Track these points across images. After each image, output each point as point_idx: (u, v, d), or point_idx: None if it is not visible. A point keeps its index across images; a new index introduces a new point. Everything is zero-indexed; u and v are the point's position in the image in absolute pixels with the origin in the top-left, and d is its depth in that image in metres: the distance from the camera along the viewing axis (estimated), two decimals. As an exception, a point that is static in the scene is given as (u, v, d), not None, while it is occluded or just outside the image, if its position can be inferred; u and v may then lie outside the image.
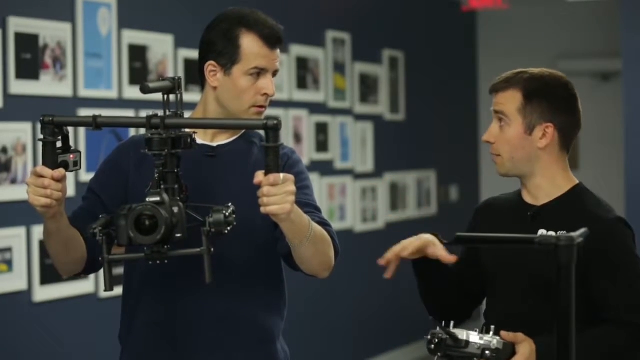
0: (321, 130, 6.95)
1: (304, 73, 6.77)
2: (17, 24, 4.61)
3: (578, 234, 2.11)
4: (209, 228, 2.45)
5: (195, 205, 2.54)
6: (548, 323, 2.68)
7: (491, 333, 2.54)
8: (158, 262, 2.47)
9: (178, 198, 2.48)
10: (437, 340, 2.51)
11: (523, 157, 2.79)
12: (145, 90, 2.54)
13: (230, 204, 2.51)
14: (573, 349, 2.09)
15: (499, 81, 2.84)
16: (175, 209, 2.44)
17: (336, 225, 7.00)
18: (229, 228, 2.47)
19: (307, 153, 6.70)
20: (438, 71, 8.74)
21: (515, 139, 2.78)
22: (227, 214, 2.47)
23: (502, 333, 2.56)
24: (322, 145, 6.96)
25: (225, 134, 2.84)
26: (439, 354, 2.52)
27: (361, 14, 7.60)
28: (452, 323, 2.55)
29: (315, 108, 6.89)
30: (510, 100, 2.79)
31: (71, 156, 2.59)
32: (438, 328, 2.53)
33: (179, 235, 2.45)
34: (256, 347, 2.80)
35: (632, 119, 5.61)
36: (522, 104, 2.78)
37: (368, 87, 7.60)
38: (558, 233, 2.69)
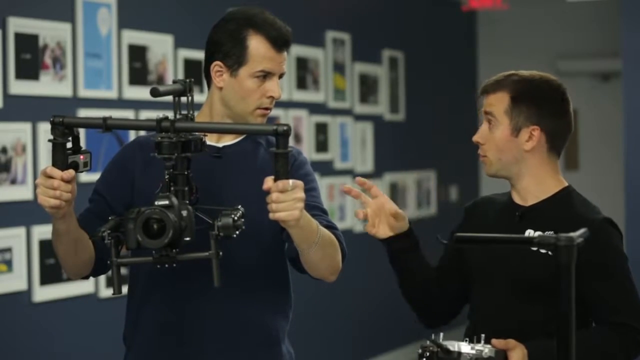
0: (321, 130, 6.95)
1: (304, 73, 6.77)
2: (17, 24, 4.60)
3: (578, 234, 2.11)
4: (217, 232, 2.45)
5: (204, 207, 2.53)
6: (534, 324, 2.69)
7: (482, 342, 2.53)
8: (166, 265, 2.47)
9: (187, 201, 2.48)
10: (428, 354, 2.49)
11: (509, 159, 2.80)
12: (155, 93, 2.52)
13: (239, 207, 2.50)
14: (573, 349, 2.08)
15: (490, 83, 2.85)
16: (184, 213, 2.43)
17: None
18: (237, 232, 2.46)
19: (307, 153, 6.69)
20: (438, 71, 8.74)
21: (502, 141, 2.79)
22: (236, 217, 2.46)
23: (493, 341, 2.55)
24: (321, 145, 6.96)
25: (231, 135, 2.83)
26: None
27: (361, 14, 7.60)
28: (441, 335, 2.54)
29: (315, 108, 6.89)
30: (499, 102, 2.80)
31: (81, 157, 2.58)
32: (428, 341, 2.52)
33: (187, 238, 2.44)
34: (261, 348, 2.79)
35: (632, 119, 5.61)
36: (509, 106, 2.79)
37: (368, 87, 7.60)
38: (545, 233, 2.70)
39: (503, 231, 2.71)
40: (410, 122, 8.23)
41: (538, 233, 2.72)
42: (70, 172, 2.52)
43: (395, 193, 7.98)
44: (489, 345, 2.52)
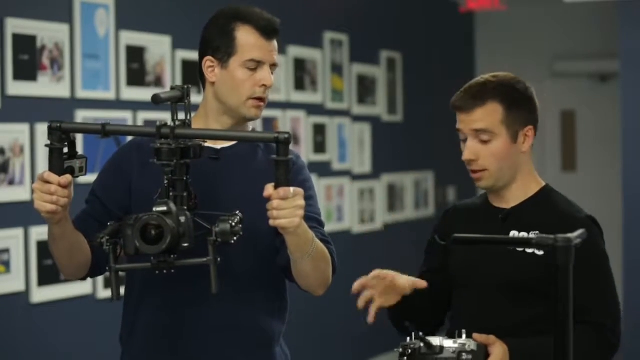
0: (319, 131, 6.95)
1: (302, 74, 6.77)
2: (15, 25, 4.60)
3: (575, 235, 2.11)
4: (215, 238, 2.45)
5: (203, 213, 2.53)
6: (518, 325, 2.68)
7: (464, 337, 2.53)
8: (165, 271, 2.47)
9: (185, 207, 2.48)
10: (409, 351, 2.49)
11: (510, 166, 2.77)
12: (157, 100, 2.52)
13: (238, 212, 2.51)
14: (571, 350, 2.08)
15: (468, 98, 2.76)
16: (182, 219, 2.43)
17: (334, 226, 7.00)
18: (235, 238, 2.46)
19: (305, 154, 6.69)
20: (436, 72, 8.74)
21: (504, 151, 2.75)
22: (234, 223, 2.46)
23: (475, 335, 2.55)
24: (319, 146, 6.96)
25: None
26: None
27: (359, 15, 7.60)
28: (420, 333, 2.52)
29: (313, 109, 6.89)
30: (492, 114, 2.74)
31: (77, 162, 2.59)
32: (408, 339, 2.51)
33: (186, 244, 2.44)
34: (256, 350, 2.79)
35: (630, 120, 5.62)
36: (504, 115, 2.74)
37: (366, 88, 7.60)
38: (530, 234, 2.70)
39: (487, 234, 2.70)
40: (408, 123, 8.23)
41: (523, 234, 2.73)
42: (68, 178, 2.52)
43: (393, 194, 7.98)
44: (471, 340, 2.53)
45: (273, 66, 2.80)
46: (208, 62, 2.79)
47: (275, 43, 2.80)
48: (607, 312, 2.70)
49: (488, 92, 2.75)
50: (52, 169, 2.52)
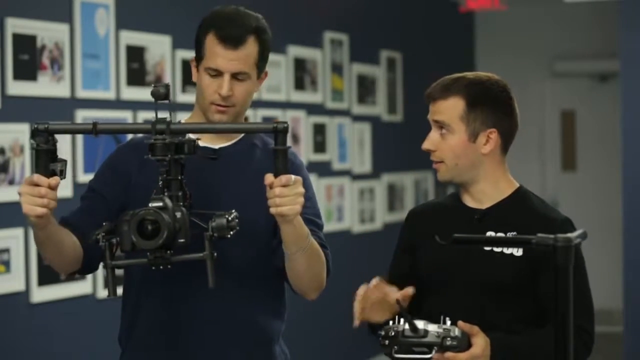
0: (319, 131, 6.95)
1: (302, 74, 6.77)
2: (15, 25, 4.60)
3: (576, 234, 2.10)
4: (211, 232, 2.46)
5: (198, 212, 2.53)
6: (497, 326, 2.66)
7: (448, 323, 2.53)
8: (161, 267, 2.47)
9: (181, 203, 2.48)
10: (392, 333, 2.48)
11: (467, 164, 2.75)
12: (158, 95, 2.53)
13: (233, 210, 2.51)
14: (571, 351, 2.08)
15: (437, 89, 2.78)
16: (178, 214, 2.44)
17: (334, 226, 7.00)
18: (231, 232, 2.47)
19: (305, 154, 6.70)
20: (436, 72, 8.70)
21: (459, 147, 2.74)
22: (230, 218, 2.47)
23: (460, 323, 2.54)
24: (319, 146, 6.96)
25: (226, 137, 2.81)
26: (395, 347, 2.48)
27: (359, 15, 7.61)
28: (402, 320, 2.50)
29: (313, 109, 6.89)
30: (452, 108, 2.74)
31: (58, 165, 2.51)
32: (391, 323, 2.51)
33: (182, 240, 2.44)
34: (255, 349, 2.79)
35: (630, 120, 5.61)
36: (464, 112, 2.73)
37: (366, 88, 7.61)
38: (507, 235, 2.70)
39: (464, 234, 2.67)
40: (408, 123, 8.23)
41: (500, 235, 2.72)
42: (56, 179, 2.47)
43: (393, 194, 7.98)
44: (455, 327, 2.52)
45: (240, 74, 2.73)
46: (192, 62, 2.81)
47: (239, 52, 2.72)
48: (586, 316, 2.70)
49: (455, 87, 2.76)
50: (39, 171, 2.47)
